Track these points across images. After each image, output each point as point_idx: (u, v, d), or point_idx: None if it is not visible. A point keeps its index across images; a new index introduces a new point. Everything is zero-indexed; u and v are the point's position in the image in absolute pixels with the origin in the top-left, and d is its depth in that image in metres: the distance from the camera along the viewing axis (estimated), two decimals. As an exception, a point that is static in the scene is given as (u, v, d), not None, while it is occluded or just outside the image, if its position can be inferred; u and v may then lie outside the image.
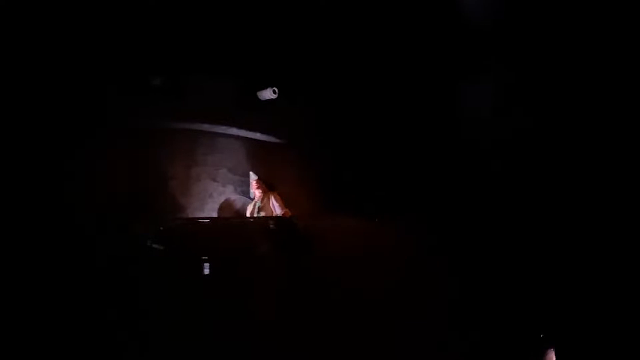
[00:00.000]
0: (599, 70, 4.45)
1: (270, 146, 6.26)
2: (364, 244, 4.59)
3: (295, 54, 6.08)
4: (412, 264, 4.47)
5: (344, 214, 5.26)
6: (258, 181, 5.69)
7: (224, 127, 5.89)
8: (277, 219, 4.91)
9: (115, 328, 3.74)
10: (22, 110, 4.67)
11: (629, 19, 4.25)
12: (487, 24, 5.39)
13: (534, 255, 4.53)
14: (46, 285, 3.75)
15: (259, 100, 5.97)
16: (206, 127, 5.78)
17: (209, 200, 5.64)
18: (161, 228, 4.35)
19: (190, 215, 5.41)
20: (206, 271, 4.23)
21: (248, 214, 5.56)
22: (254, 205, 5.55)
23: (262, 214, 5.38)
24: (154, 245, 4.20)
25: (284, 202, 5.50)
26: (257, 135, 6.15)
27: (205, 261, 4.24)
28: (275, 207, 5.38)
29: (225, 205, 5.77)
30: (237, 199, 5.86)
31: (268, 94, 5.89)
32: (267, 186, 5.71)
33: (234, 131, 5.98)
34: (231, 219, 5.47)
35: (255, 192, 5.66)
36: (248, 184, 5.87)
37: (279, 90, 5.85)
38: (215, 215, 5.60)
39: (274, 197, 5.45)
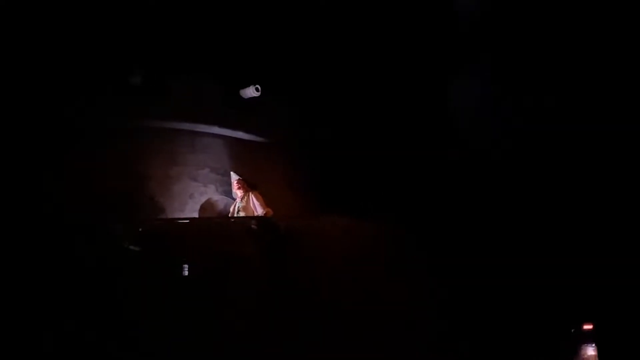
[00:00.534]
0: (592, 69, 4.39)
1: (254, 145, 6.16)
2: (347, 243, 4.52)
3: (279, 52, 6.02)
4: (394, 262, 4.41)
5: (327, 214, 5.18)
6: (239, 181, 5.59)
7: (205, 126, 5.79)
8: (257, 219, 4.82)
9: (93, 329, 3.69)
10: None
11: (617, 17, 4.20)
12: (471, 19, 5.35)
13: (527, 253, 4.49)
14: (23, 285, 3.70)
15: (242, 98, 5.89)
16: (187, 126, 5.68)
17: (189, 200, 5.53)
18: (140, 229, 4.27)
19: (170, 216, 5.29)
20: (185, 273, 4.17)
21: (230, 214, 5.46)
22: (235, 205, 5.45)
23: (242, 214, 5.27)
24: (132, 247, 4.13)
25: (266, 201, 5.40)
26: (240, 134, 6.05)
27: (185, 263, 4.19)
28: (256, 207, 5.28)
29: (207, 206, 5.66)
30: (219, 199, 5.76)
31: (251, 91, 5.80)
32: (249, 185, 5.61)
33: (216, 130, 5.89)
34: (211, 220, 5.37)
35: (237, 192, 5.56)
36: (231, 184, 5.77)
37: (262, 89, 5.77)
38: (196, 216, 5.49)
39: (255, 197, 5.35)
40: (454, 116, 5.79)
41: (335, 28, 5.90)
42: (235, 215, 5.35)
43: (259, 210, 5.23)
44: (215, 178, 5.82)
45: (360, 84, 6.07)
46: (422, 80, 5.89)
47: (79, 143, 5.06)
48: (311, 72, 6.09)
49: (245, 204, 5.36)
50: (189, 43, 5.57)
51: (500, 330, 4.24)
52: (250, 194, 5.40)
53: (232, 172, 5.71)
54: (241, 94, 5.86)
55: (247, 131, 6.05)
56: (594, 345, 4.32)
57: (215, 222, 5.24)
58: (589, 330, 4.38)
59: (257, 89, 5.75)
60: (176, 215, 5.35)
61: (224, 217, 5.52)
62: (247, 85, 5.78)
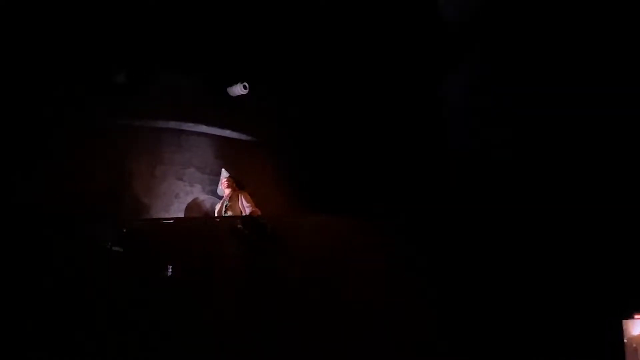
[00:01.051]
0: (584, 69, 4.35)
1: (241, 144, 6.07)
2: (335, 242, 4.47)
3: (268, 49, 5.95)
4: (385, 262, 4.37)
5: (315, 213, 5.11)
6: (229, 179, 5.52)
7: (192, 125, 5.69)
8: (244, 218, 4.74)
9: (73, 330, 3.63)
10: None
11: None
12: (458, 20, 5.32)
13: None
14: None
15: (230, 96, 5.81)
16: (172, 124, 5.58)
17: (175, 200, 5.44)
18: (124, 230, 4.18)
19: (155, 216, 5.19)
20: (170, 274, 4.10)
21: (216, 214, 5.37)
22: (222, 204, 5.37)
23: (230, 213, 5.19)
24: (116, 248, 4.04)
25: (254, 201, 5.33)
26: (227, 133, 5.96)
27: (169, 264, 4.11)
28: (245, 207, 5.22)
29: (193, 205, 5.57)
30: (205, 198, 5.67)
31: (238, 89, 5.73)
32: (238, 185, 5.54)
33: (203, 128, 5.79)
34: (196, 220, 5.28)
35: (225, 191, 5.48)
36: (217, 183, 5.68)
37: (250, 87, 5.70)
38: (182, 216, 5.40)
39: (244, 197, 5.28)
40: (446, 114, 5.75)
41: (323, 25, 5.84)
42: (222, 214, 5.27)
43: (247, 210, 5.16)
44: (202, 177, 5.73)
45: (349, 82, 6.01)
46: (412, 77, 5.85)
47: (61, 142, 4.94)
48: (300, 69, 6.02)
49: (233, 203, 5.28)
50: (174, 40, 5.48)
51: (500, 330, 4.18)
52: (239, 194, 5.34)
53: (223, 169, 5.63)
54: (228, 92, 5.76)
55: (234, 130, 5.96)
56: None
57: (201, 222, 5.16)
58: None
59: (244, 87, 5.67)
60: (161, 215, 5.24)
61: (210, 217, 5.43)
62: (235, 83, 5.69)
